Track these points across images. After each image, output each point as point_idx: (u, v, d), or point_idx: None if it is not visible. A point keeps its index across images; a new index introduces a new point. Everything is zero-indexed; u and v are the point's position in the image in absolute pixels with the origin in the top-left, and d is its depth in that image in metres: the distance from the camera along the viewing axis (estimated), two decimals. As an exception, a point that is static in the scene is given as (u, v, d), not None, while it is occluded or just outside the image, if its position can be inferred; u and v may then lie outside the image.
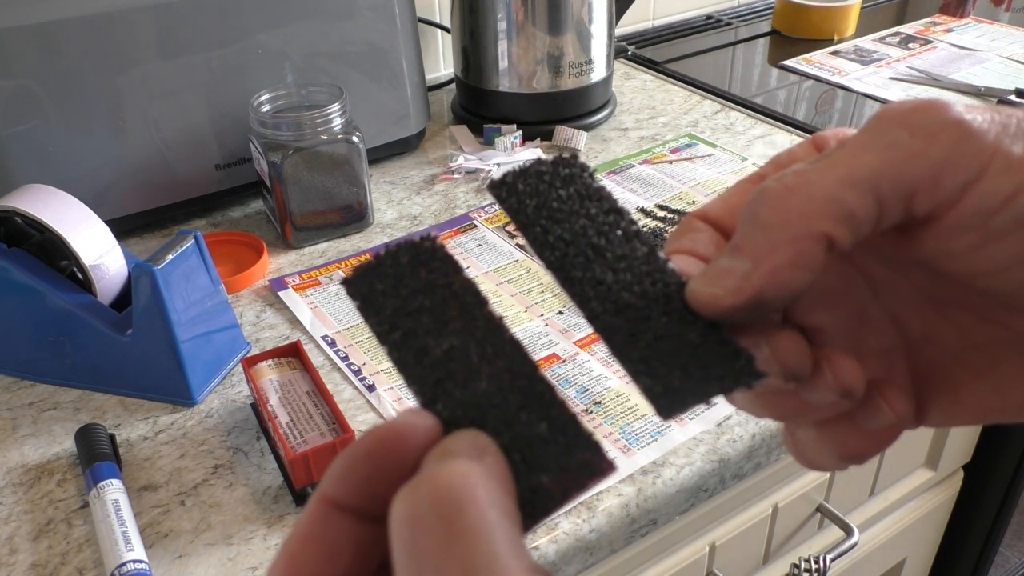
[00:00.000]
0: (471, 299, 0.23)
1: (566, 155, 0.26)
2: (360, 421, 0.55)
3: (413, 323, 0.22)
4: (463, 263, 0.71)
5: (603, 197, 0.25)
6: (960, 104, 0.21)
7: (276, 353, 0.55)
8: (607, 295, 0.23)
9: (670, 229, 0.73)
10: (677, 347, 0.22)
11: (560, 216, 0.24)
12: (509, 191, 0.25)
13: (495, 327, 0.22)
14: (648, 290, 0.23)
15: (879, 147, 0.21)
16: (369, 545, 0.19)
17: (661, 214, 0.76)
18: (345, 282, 0.23)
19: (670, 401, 0.21)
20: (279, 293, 0.68)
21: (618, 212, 0.25)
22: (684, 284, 0.23)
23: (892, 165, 0.21)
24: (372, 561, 0.20)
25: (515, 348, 0.22)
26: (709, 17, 1.31)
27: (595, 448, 0.20)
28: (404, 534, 0.17)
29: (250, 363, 0.54)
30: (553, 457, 0.20)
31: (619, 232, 0.24)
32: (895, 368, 0.25)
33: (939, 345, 0.25)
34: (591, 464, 0.20)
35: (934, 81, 1.04)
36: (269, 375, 0.53)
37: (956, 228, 0.21)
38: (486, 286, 0.68)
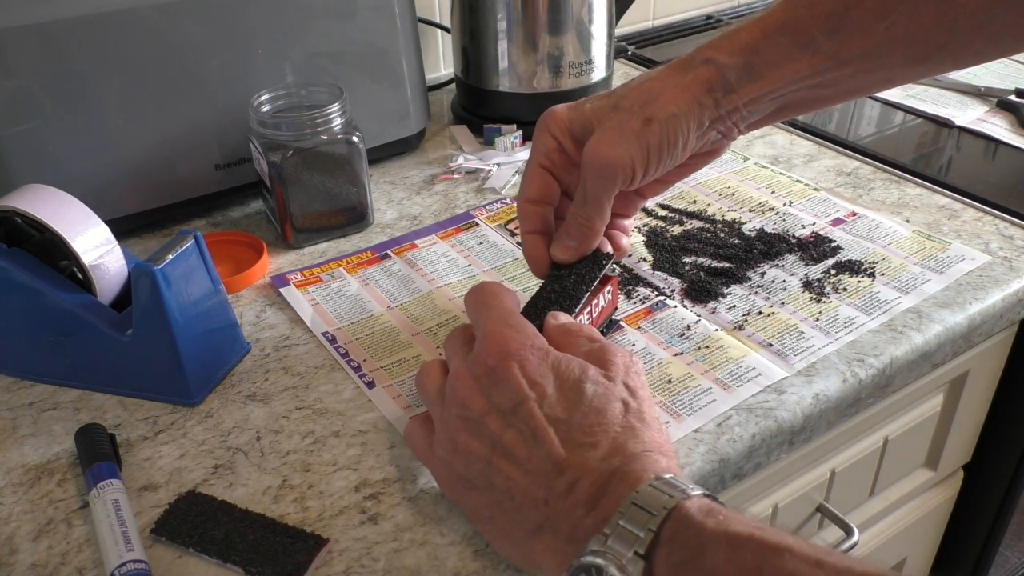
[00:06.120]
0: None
1: None
2: (360, 421, 0.55)
3: None
4: (464, 261, 0.71)
5: None
6: (607, 142, 0.51)
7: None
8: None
9: (672, 228, 0.74)
10: (579, 268, 0.55)
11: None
12: None
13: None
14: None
15: (595, 183, 0.53)
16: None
17: (662, 213, 0.76)
18: None
19: (586, 287, 0.54)
20: (280, 289, 0.68)
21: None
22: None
23: (605, 184, 0.52)
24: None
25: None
26: (709, 17, 1.31)
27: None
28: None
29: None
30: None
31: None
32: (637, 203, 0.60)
33: (655, 188, 0.59)
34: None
35: (934, 81, 1.04)
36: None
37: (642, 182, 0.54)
38: (486, 286, 0.68)
